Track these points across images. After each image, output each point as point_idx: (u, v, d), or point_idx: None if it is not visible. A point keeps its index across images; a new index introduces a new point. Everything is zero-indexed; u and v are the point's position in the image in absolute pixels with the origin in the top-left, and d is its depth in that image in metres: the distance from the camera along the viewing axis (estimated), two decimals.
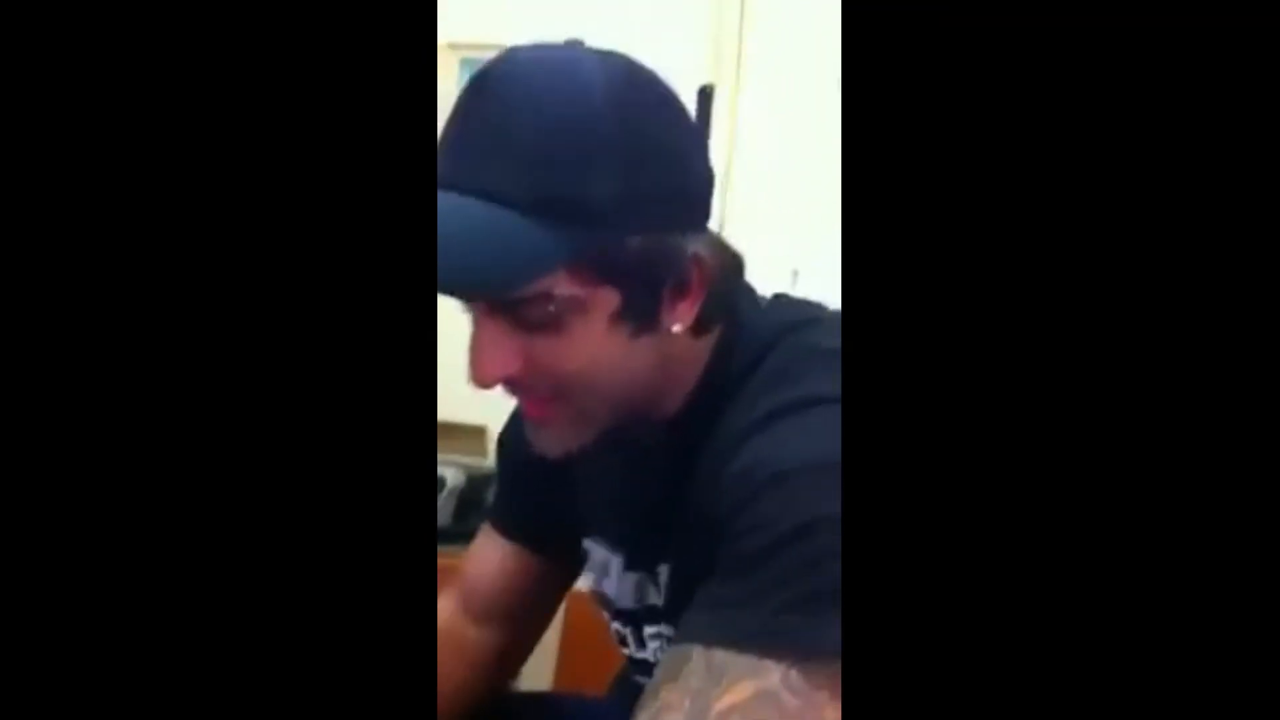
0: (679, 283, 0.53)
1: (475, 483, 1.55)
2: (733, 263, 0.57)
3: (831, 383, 0.48)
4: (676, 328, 0.54)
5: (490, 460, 1.51)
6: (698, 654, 0.48)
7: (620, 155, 0.49)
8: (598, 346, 0.52)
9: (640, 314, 0.52)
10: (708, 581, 0.51)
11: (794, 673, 0.45)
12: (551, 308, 0.50)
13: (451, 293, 0.49)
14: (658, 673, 0.51)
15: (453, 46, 1.67)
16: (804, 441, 0.49)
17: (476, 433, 1.67)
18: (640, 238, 0.50)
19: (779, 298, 0.61)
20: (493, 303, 0.51)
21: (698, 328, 0.55)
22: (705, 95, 1.56)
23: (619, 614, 0.66)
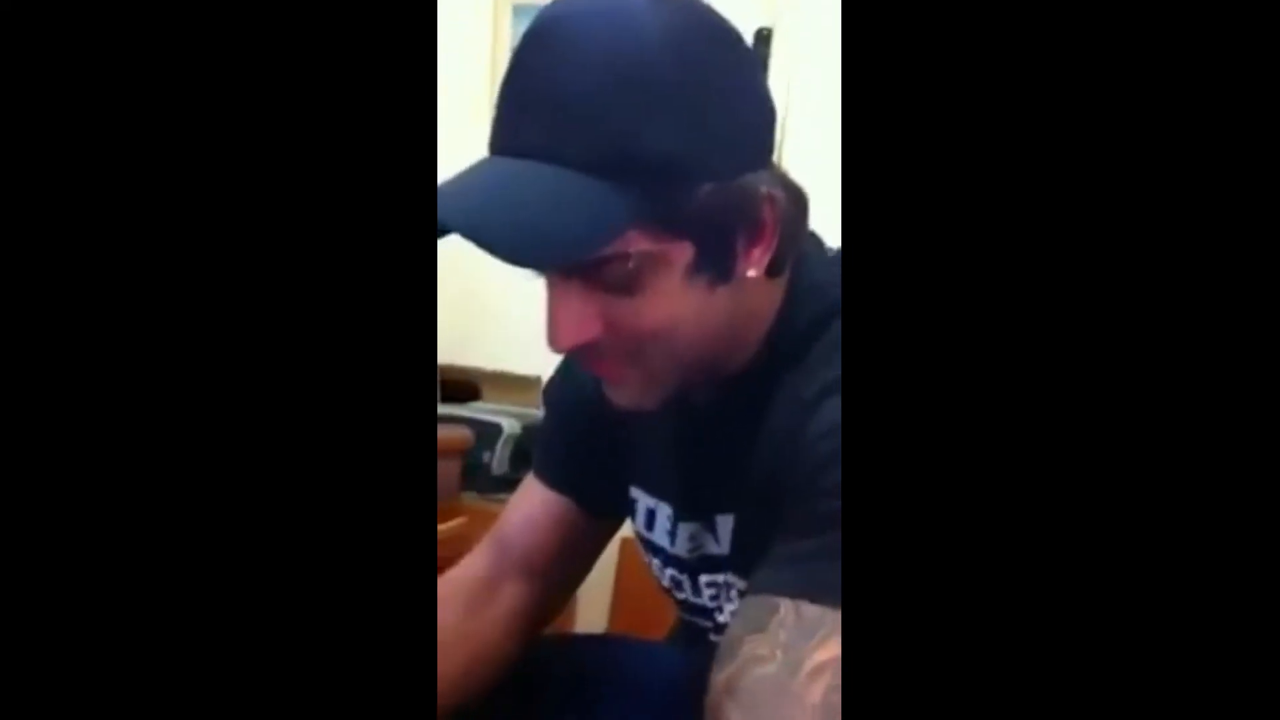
0: (752, 227, 0.52)
1: (531, 432, 1.57)
2: (799, 200, 0.56)
3: None
4: (752, 272, 0.53)
5: None
6: (786, 606, 0.48)
7: (682, 105, 0.48)
8: (676, 302, 0.51)
9: (716, 264, 0.51)
10: (784, 535, 0.51)
11: None
12: (630, 265, 0.49)
13: (525, 262, 0.49)
14: (738, 621, 0.51)
15: None
16: None
17: (533, 383, 1.69)
18: (710, 186, 0.49)
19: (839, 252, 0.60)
20: (567, 267, 0.51)
21: (771, 270, 0.54)
22: (763, 38, 1.53)
23: (670, 560, 0.67)
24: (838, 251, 0.59)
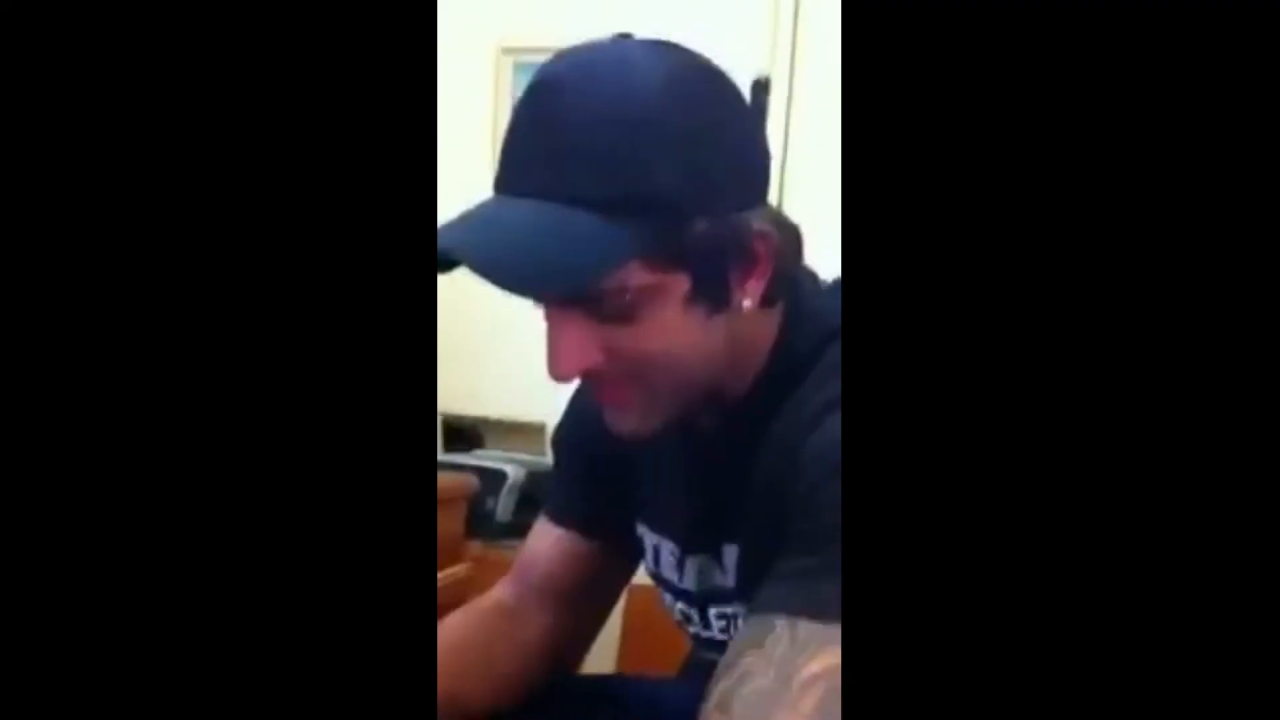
0: (746, 259, 0.54)
1: (535, 478, 1.57)
2: (793, 237, 0.58)
3: None
4: (747, 303, 0.55)
5: (550, 457, 1.52)
6: (781, 623, 0.49)
7: (681, 145, 0.50)
8: (674, 330, 0.53)
9: (711, 294, 0.53)
10: (784, 554, 0.52)
11: None
12: (627, 297, 0.51)
13: (529, 294, 0.51)
14: (738, 639, 0.51)
15: (506, 51, 1.69)
16: None
17: (536, 430, 1.69)
18: (706, 221, 0.51)
19: (839, 281, 0.62)
20: (568, 299, 0.52)
21: (766, 301, 0.56)
22: (761, 87, 1.55)
23: (680, 594, 0.67)
24: (832, 283, 0.61)
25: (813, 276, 0.61)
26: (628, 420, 0.57)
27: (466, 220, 0.51)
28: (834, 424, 0.52)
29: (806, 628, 0.48)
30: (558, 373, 0.54)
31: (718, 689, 0.49)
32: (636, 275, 0.51)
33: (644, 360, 0.53)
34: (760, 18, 1.57)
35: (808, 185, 1.48)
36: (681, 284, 0.52)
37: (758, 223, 0.54)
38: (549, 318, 0.54)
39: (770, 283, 0.55)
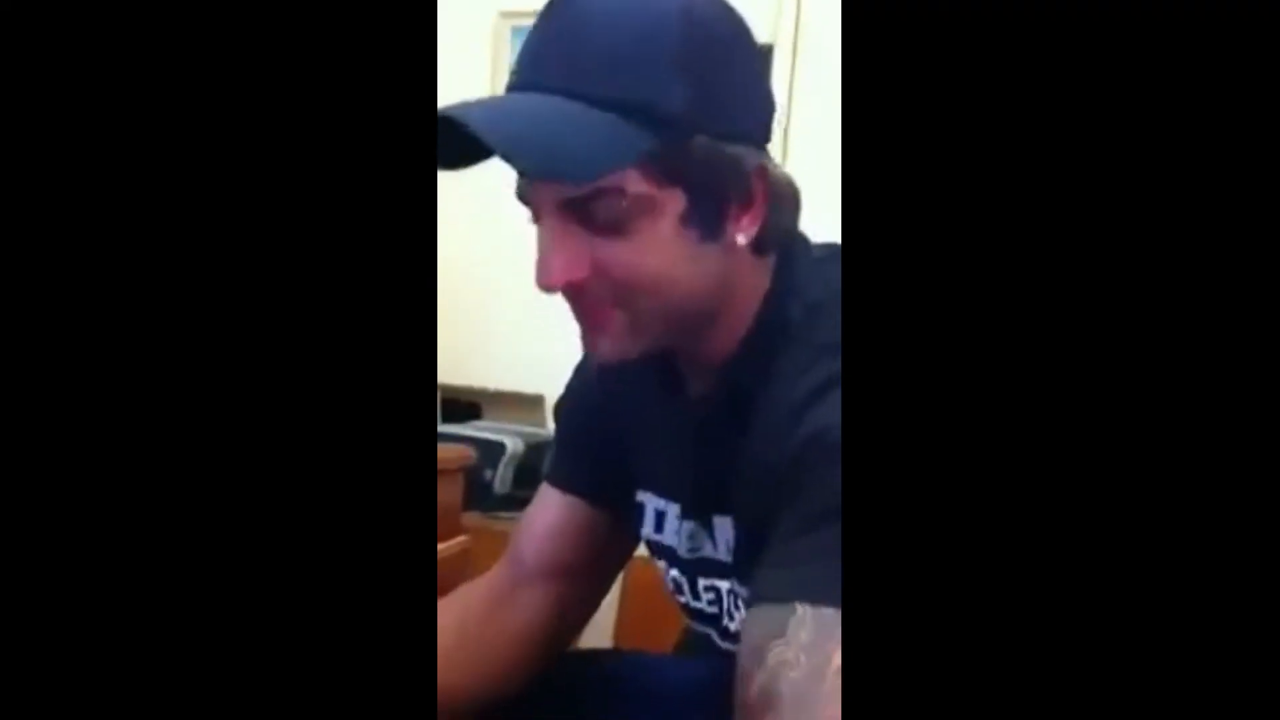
0: (743, 193, 0.55)
1: (533, 450, 1.57)
2: (791, 191, 0.59)
3: None
4: (741, 238, 0.56)
5: (548, 429, 1.53)
6: (802, 609, 0.49)
7: (692, 65, 0.52)
8: (664, 249, 0.53)
9: (705, 219, 0.54)
10: (784, 536, 0.52)
11: None
12: (623, 203, 0.52)
13: (541, 173, 0.52)
14: (757, 628, 0.51)
15: (504, 15, 1.66)
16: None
17: (535, 401, 1.68)
18: (707, 143, 0.52)
19: (833, 248, 0.62)
20: (563, 201, 0.52)
21: (759, 245, 0.57)
22: (763, 55, 1.53)
23: (675, 561, 0.67)
24: (825, 252, 0.62)
25: (806, 243, 0.61)
26: (605, 343, 0.56)
27: (484, 104, 0.52)
28: (828, 406, 0.52)
29: (830, 614, 0.48)
30: (546, 282, 0.54)
31: (755, 684, 0.49)
32: (634, 184, 0.52)
33: (631, 276, 0.53)
34: None
35: (810, 153, 1.46)
36: (677, 202, 0.53)
37: (758, 160, 0.55)
38: (542, 225, 0.54)
39: (764, 226, 0.56)
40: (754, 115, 0.56)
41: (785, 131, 1.51)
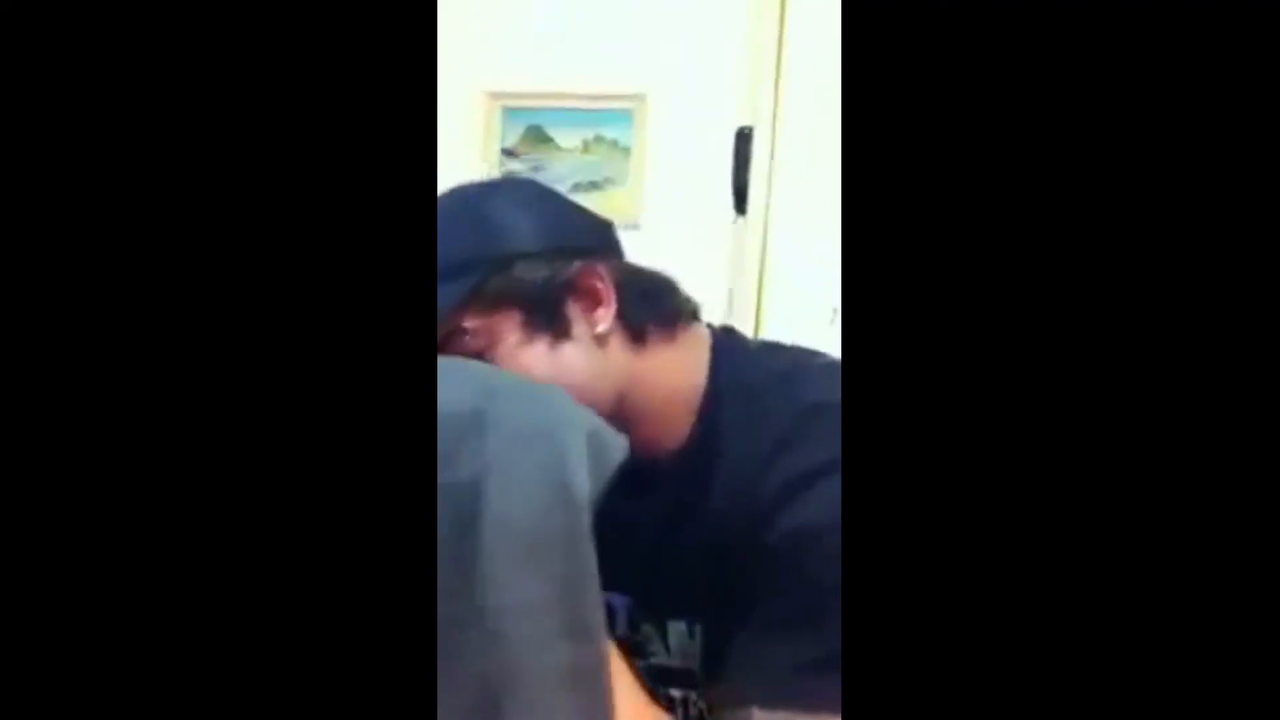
0: (584, 294, 0.62)
1: None
2: (651, 281, 0.65)
3: (830, 442, 0.52)
4: (600, 328, 0.61)
5: None
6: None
7: (483, 225, 0.62)
8: (525, 359, 0.60)
9: (549, 322, 0.61)
10: (754, 641, 0.52)
11: None
12: (467, 339, 0.60)
13: None
14: None
15: (494, 96, 1.71)
16: (829, 506, 0.51)
17: None
18: (529, 265, 0.61)
19: (768, 343, 0.67)
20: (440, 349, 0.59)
21: (632, 336, 0.62)
22: (743, 137, 1.58)
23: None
24: (760, 344, 0.67)
25: (739, 337, 0.67)
26: None
27: None
28: (804, 504, 0.53)
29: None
30: None
31: None
32: (470, 320, 0.60)
33: None
34: (742, 70, 1.60)
35: (791, 233, 1.49)
36: (513, 318, 0.60)
37: (584, 265, 0.62)
38: None
39: (619, 315, 0.61)
40: (571, 233, 0.64)
41: (766, 210, 1.55)
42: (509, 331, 0.61)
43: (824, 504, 0.53)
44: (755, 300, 1.55)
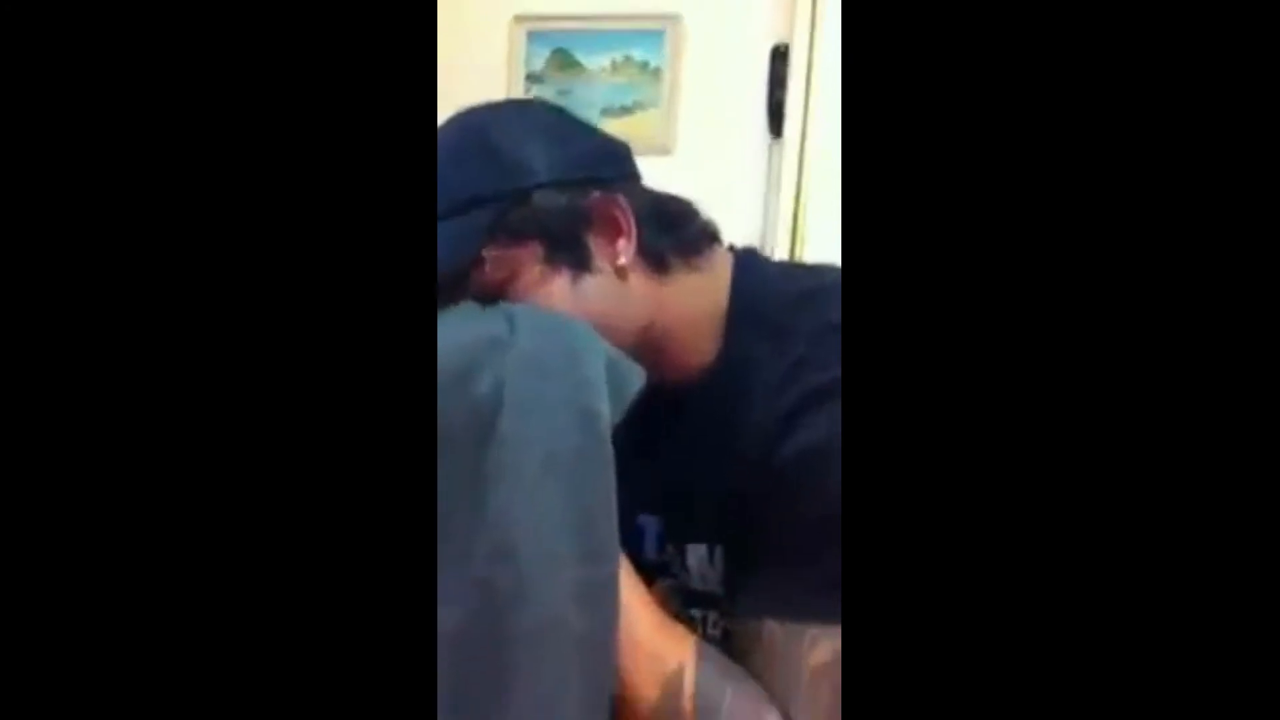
0: (604, 224, 0.61)
1: None
2: (674, 208, 0.63)
3: None
4: (622, 260, 0.60)
5: None
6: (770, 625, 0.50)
7: (496, 154, 0.60)
8: (545, 292, 0.59)
9: (570, 256, 0.60)
10: (769, 556, 0.53)
11: None
12: (489, 268, 0.59)
13: None
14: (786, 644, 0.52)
15: (519, 19, 1.66)
16: (836, 427, 0.52)
17: None
18: (546, 194, 0.59)
19: (787, 264, 0.68)
20: (452, 289, 0.58)
21: (654, 265, 0.61)
22: (779, 55, 1.52)
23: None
24: (780, 268, 0.66)
25: (760, 259, 0.66)
26: None
27: None
28: (809, 424, 0.53)
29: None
30: None
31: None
32: (490, 249, 0.59)
33: None
34: None
35: (829, 154, 1.45)
36: (535, 251, 0.59)
37: (603, 194, 0.60)
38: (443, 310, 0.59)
39: (640, 245, 0.60)
40: (588, 162, 0.62)
41: (803, 131, 1.51)
42: (531, 264, 0.60)
43: (831, 422, 0.52)
44: (792, 223, 1.51)
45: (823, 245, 1.45)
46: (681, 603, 0.65)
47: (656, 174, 0.67)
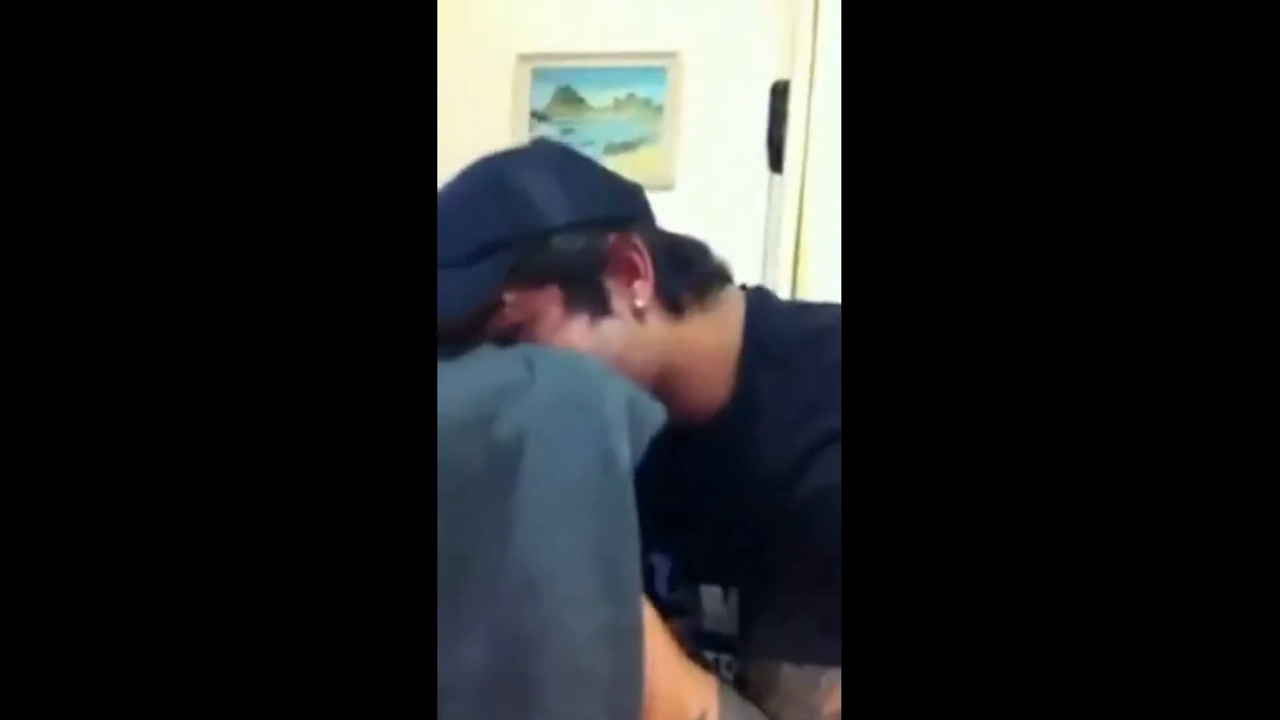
0: (621, 266, 0.61)
1: None
2: (690, 249, 0.64)
3: None
4: (640, 302, 0.61)
5: None
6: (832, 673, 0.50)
7: (511, 198, 0.61)
8: (566, 336, 0.59)
9: (588, 299, 0.60)
10: (784, 599, 0.53)
11: None
12: (507, 311, 0.59)
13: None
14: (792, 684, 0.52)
15: (524, 57, 1.69)
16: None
17: None
18: (565, 238, 0.60)
19: (799, 304, 0.68)
20: (459, 336, 0.58)
21: (670, 307, 0.61)
22: (779, 91, 1.54)
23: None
24: (792, 306, 0.66)
25: (770, 297, 0.66)
26: None
27: None
28: (826, 464, 0.53)
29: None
30: None
31: None
32: (508, 293, 0.59)
33: None
34: (778, 23, 1.57)
35: (829, 189, 1.47)
36: (553, 295, 0.60)
37: (621, 236, 0.61)
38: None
39: (667, 288, 0.61)
40: (604, 203, 0.63)
41: (803, 166, 1.52)
42: (550, 308, 0.60)
43: (827, 473, 0.53)
44: (793, 258, 1.53)
45: (823, 278, 1.46)
46: (694, 644, 0.64)
47: (659, 209, 0.68)
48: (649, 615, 0.52)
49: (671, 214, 0.68)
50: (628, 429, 0.52)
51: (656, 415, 0.54)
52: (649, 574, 0.68)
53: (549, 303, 0.60)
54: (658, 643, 0.52)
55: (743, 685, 0.57)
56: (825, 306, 0.66)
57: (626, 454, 0.51)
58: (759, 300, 0.65)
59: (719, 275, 0.65)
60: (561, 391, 0.53)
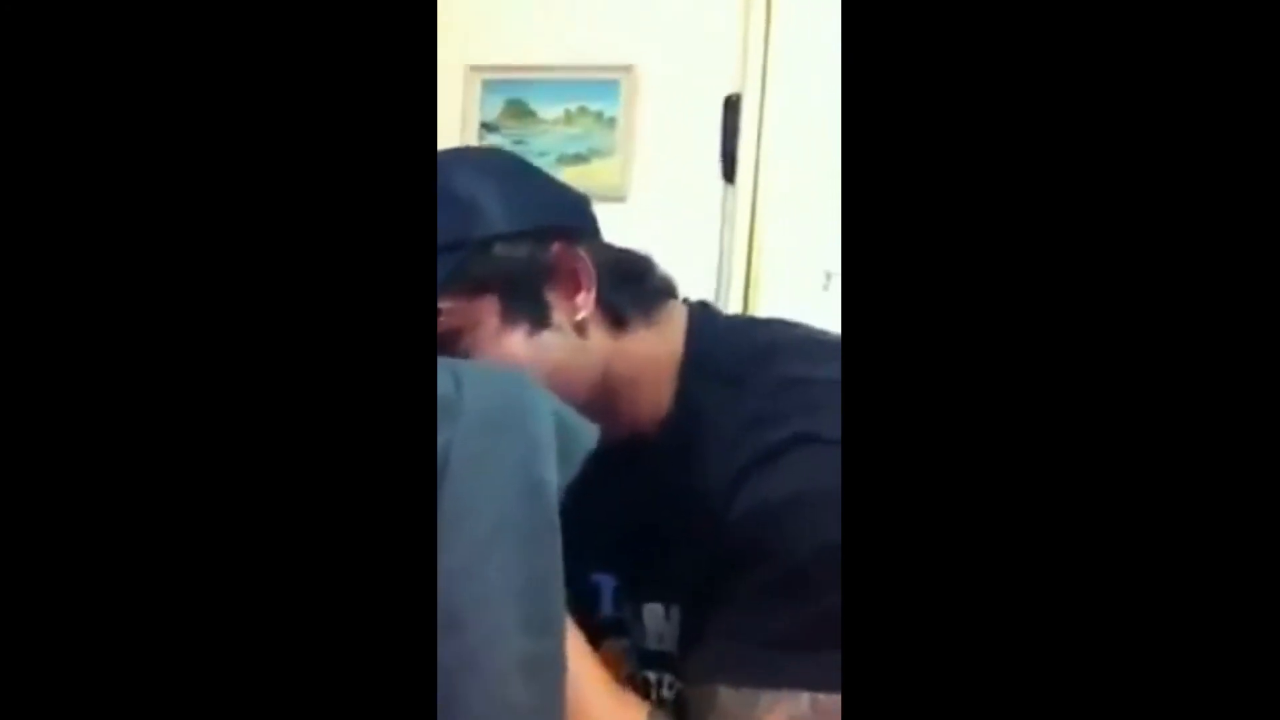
0: (563, 279, 0.60)
1: None
2: (631, 264, 0.63)
3: (804, 417, 0.53)
4: (581, 315, 0.60)
5: None
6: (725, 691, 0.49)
7: (455, 204, 0.58)
8: (503, 346, 0.58)
9: (528, 309, 0.59)
10: (721, 619, 0.52)
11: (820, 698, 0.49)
12: (443, 318, 0.57)
13: None
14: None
15: (474, 69, 1.68)
16: (793, 480, 0.52)
17: None
18: (506, 247, 0.59)
19: (741, 319, 0.66)
20: None
21: (612, 320, 0.61)
22: (732, 104, 1.56)
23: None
24: (733, 322, 0.66)
25: (713, 312, 0.66)
26: None
27: None
28: (766, 479, 0.53)
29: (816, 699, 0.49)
30: None
31: None
32: (446, 300, 0.57)
33: None
34: (731, 36, 1.58)
35: (780, 202, 1.48)
36: (492, 305, 0.58)
37: (564, 248, 0.60)
38: None
39: (609, 301, 0.60)
40: (550, 213, 0.62)
41: (756, 177, 1.54)
42: (488, 317, 0.59)
43: (785, 479, 0.52)
44: (746, 269, 1.54)
45: (776, 289, 1.48)
46: (637, 663, 0.64)
47: (612, 220, 0.68)
48: (577, 643, 0.52)
49: (625, 226, 0.68)
50: (557, 449, 0.51)
51: (588, 435, 0.53)
52: (593, 594, 0.67)
53: (487, 311, 0.59)
54: (583, 668, 0.52)
55: (682, 706, 0.56)
56: (768, 322, 0.66)
57: (554, 480, 0.51)
58: (702, 314, 0.64)
59: (664, 289, 0.65)
60: (488, 412, 0.51)
